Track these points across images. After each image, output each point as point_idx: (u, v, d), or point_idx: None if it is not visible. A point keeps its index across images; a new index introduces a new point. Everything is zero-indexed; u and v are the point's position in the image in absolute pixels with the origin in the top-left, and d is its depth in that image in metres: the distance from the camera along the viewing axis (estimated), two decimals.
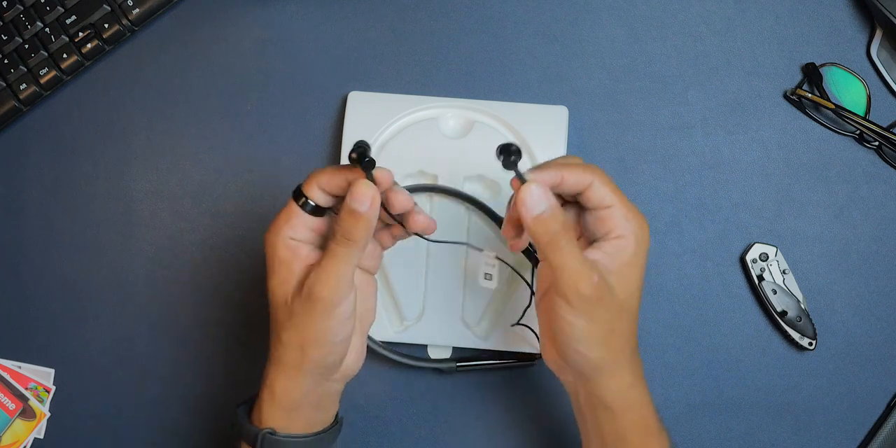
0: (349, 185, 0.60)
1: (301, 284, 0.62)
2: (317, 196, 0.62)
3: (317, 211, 0.62)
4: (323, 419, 0.67)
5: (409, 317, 0.78)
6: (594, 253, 0.61)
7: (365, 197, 0.59)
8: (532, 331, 0.75)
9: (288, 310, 0.62)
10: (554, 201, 0.59)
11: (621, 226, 0.61)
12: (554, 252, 0.59)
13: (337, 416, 0.68)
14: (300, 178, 0.81)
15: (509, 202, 0.63)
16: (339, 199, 0.62)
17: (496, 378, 0.80)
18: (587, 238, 0.64)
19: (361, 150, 0.59)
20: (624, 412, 0.63)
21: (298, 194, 0.63)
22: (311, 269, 0.62)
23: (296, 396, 0.64)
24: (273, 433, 0.64)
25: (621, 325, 0.62)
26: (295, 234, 0.62)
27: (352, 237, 0.60)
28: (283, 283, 0.62)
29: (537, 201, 0.59)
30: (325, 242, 0.64)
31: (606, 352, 0.62)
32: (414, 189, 0.76)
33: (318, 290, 0.60)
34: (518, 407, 0.79)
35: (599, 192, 0.62)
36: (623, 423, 0.64)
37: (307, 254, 0.62)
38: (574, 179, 0.61)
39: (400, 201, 0.62)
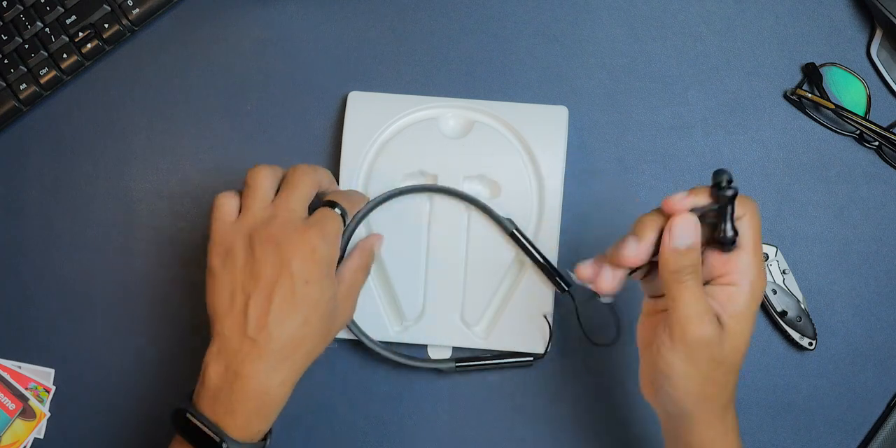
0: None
1: (340, 292, 0.69)
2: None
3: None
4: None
5: (409, 317, 0.78)
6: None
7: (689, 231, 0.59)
8: (548, 323, 0.76)
9: (335, 318, 0.67)
10: (698, 238, 0.59)
11: (741, 271, 0.59)
12: (678, 285, 0.58)
13: None
14: None
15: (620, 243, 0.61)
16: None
17: (496, 378, 0.80)
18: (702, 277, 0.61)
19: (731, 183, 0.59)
20: None
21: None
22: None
23: (287, 396, 0.65)
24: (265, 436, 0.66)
25: (718, 375, 0.60)
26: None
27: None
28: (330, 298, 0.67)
29: (687, 234, 0.58)
30: None
31: (698, 399, 0.60)
32: (413, 189, 0.76)
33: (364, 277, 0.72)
34: (518, 407, 0.79)
35: (742, 226, 0.60)
36: None
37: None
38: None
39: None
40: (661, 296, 0.62)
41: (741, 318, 0.59)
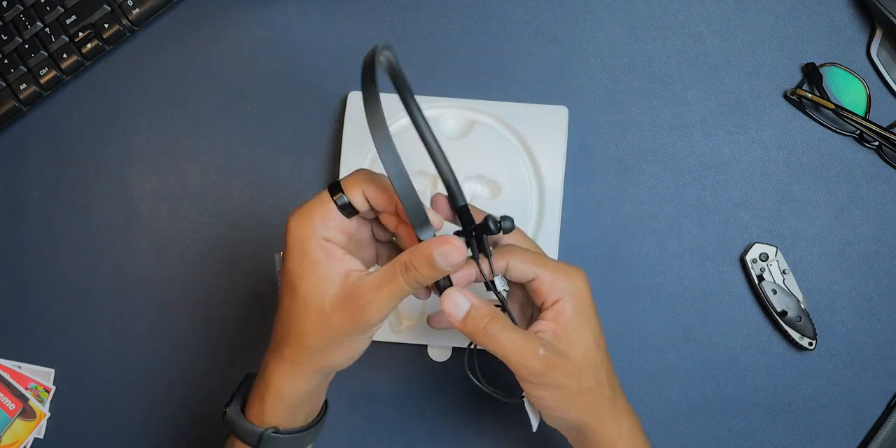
0: (396, 206, 0.60)
1: (342, 294, 0.60)
2: (357, 199, 0.60)
3: (349, 211, 0.60)
4: (315, 409, 0.67)
5: (409, 317, 0.78)
6: (539, 324, 0.62)
7: (455, 258, 0.58)
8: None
9: (323, 318, 0.60)
10: (473, 299, 0.60)
11: (552, 291, 0.62)
12: (491, 342, 0.60)
13: (325, 401, 0.68)
14: (300, 178, 0.81)
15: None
16: (374, 209, 0.61)
17: (498, 379, 0.80)
18: (535, 311, 0.65)
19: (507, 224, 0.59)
20: None
21: (335, 188, 0.60)
22: (348, 275, 0.60)
23: (303, 394, 0.64)
24: (277, 431, 0.63)
25: (587, 383, 0.62)
26: (329, 235, 0.60)
27: (422, 281, 0.59)
28: (316, 286, 0.60)
29: (458, 305, 0.60)
30: (353, 245, 0.62)
31: (582, 411, 0.63)
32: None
33: (369, 314, 0.59)
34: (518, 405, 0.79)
35: (518, 269, 0.62)
36: None
37: (341, 257, 0.60)
38: (486, 268, 0.62)
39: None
40: None
41: (577, 323, 0.62)
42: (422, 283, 0.59)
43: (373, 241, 0.64)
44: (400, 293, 0.59)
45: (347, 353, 0.62)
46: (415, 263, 0.58)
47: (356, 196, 0.60)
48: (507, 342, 0.60)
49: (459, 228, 0.62)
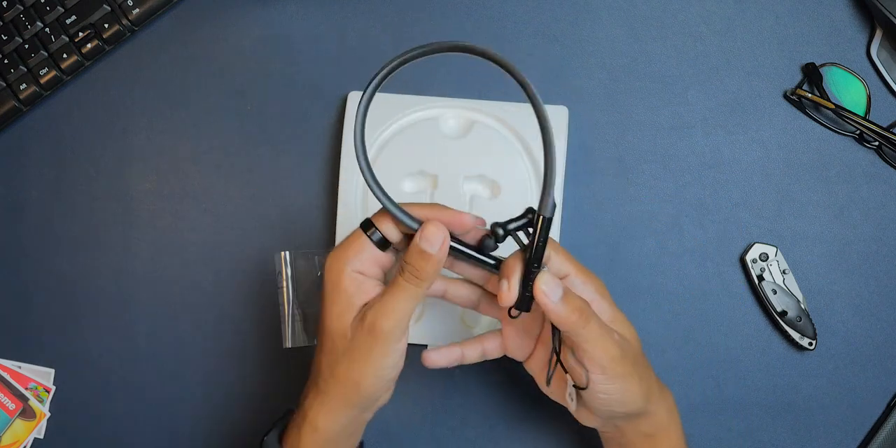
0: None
1: (362, 318, 0.61)
2: (387, 229, 0.61)
3: (383, 244, 0.61)
4: (352, 445, 0.67)
5: None
6: None
7: (436, 238, 0.59)
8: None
9: (346, 343, 0.61)
10: (563, 284, 0.60)
11: (582, 293, 0.63)
12: (585, 325, 0.60)
13: (361, 443, 0.69)
14: (300, 178, 0.81)
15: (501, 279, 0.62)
16: (408, 237, 0.62)
17: (497, 377, 0.80)
18: None
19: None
20: (662, 437, 0.66)
21: (367, 224, 0.62)
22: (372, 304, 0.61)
23: (338, 429, 0.64)
24: None
25: (641, 368, 0.64)
26: (362, 267, 0.61)
27: (420, 276, 0.60)
28: (341, 314, 0.62)
29: (555, 287, 0.60)
30: (387, 278, 0.63)
31: (641, 398, 0.64)
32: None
33: (381, 324, 0.60)
34: (518, 403, 0.79)
35: (556, 261, 0.63)
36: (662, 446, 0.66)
37: (370, 289, 0.62)
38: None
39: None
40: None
41: (617, 320, 0.64)
42: (421, 277, 0.60)
43: None
44: (405, 294, 0.60)
45: (378, 381, 0.62)
46: (407, 259, 0.60)
47: (388, 229, 0.61)
48: (599, 326, 0.60)
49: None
